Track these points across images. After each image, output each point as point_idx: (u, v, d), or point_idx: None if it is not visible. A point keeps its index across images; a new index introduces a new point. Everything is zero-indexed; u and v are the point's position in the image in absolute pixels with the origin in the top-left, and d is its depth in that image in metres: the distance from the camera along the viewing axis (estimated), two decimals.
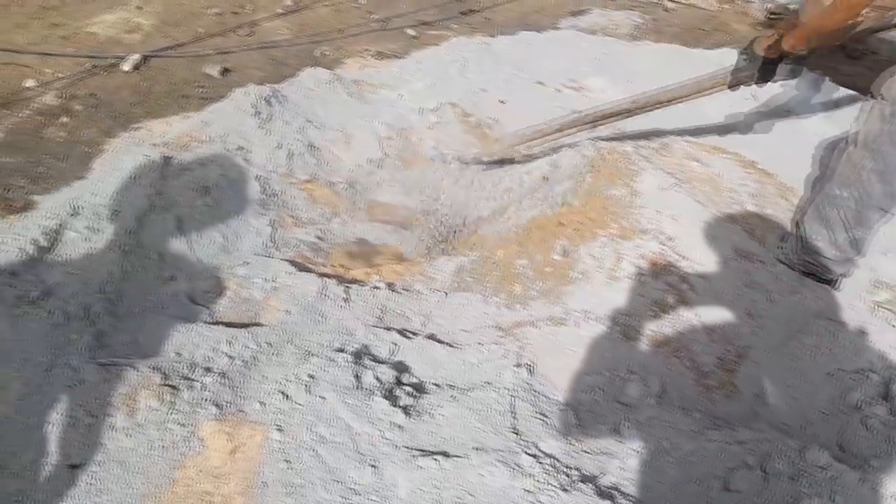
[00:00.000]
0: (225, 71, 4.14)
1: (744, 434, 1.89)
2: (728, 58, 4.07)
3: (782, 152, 3.21)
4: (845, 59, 4.50)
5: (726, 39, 4.92)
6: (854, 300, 2.45)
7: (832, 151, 2.50)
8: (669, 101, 2.89)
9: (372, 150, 3.50)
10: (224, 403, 2.00)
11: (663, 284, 2.35)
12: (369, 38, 4.80)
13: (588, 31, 4.88)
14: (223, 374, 2.08)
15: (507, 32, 4.70)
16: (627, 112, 3.00)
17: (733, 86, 2.69)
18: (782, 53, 2.49)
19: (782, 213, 2.80)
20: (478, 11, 5.41)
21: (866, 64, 4.46)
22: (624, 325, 2.27)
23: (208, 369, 2.11)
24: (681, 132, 3.30)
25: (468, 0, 5.62)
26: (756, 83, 2.62)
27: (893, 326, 2.36)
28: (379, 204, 3.35)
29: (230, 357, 2.16)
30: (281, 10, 5.17)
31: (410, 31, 4.91)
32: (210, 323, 2.37)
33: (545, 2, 5.68)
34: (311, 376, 2.04)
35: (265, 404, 1.98)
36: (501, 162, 3.45)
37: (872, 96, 2.27)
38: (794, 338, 2.26)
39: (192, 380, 2.06)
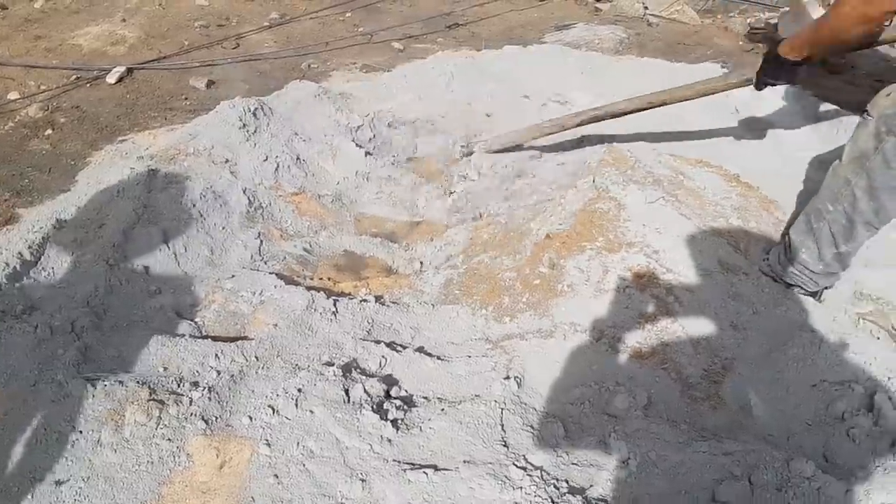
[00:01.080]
0: (210, 83, 4.14)
1: (730, 445, 1.91)
2: (711, 72, 4.14)
3: (764, 165, 3.25)
4: (825, 73, 4.56)
5: (709, 54, 4.97)
6: (837, 312, 2.48)
7: (818, 165, 2.52)
8: (695, 96, 2.96)
9: (359, 163, 3.50)
10: (212, 418, 1.99)
11: (649, 297, 2.36)
12: (355, 51, 4.82)
13: (573, 45, 4.91)
14: (211, 389, 2.07)
15: (492, 46, 4.72)
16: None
17: (758, 82, 2.64)
18: (792, 59, 2.43)
19: (765, 226, 2.83)
20: (463, 25, 5.44)
21: (845, 78, 4.51)
22: (611, 338, 2.28)
23: (196, 384, 2.10)
24: (666, 145, 3.33)
25: (454, 14, 5.65)
26: (768, 81, 2.59)
27: (877, 338, 2.39)
28: (366, 216, 3.36)
29: (218, 371, 2.15)
30: (267, 23, 5.18)
31: (396, 45, 4.93)
32: (197, 337, 2.36)
33: (530, 16, 5.72)
34: (300, 390, 2.04)
35: (253, 419, 1.98)
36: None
37: (867, 113, 2.29)
38: (778, 350, 2.28)
39: (180, 394, 2.04)
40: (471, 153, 3.71)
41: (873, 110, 2.26)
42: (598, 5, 5.96)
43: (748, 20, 5.68)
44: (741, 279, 2.51)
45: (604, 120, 3.17)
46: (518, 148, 3.63)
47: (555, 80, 4.15)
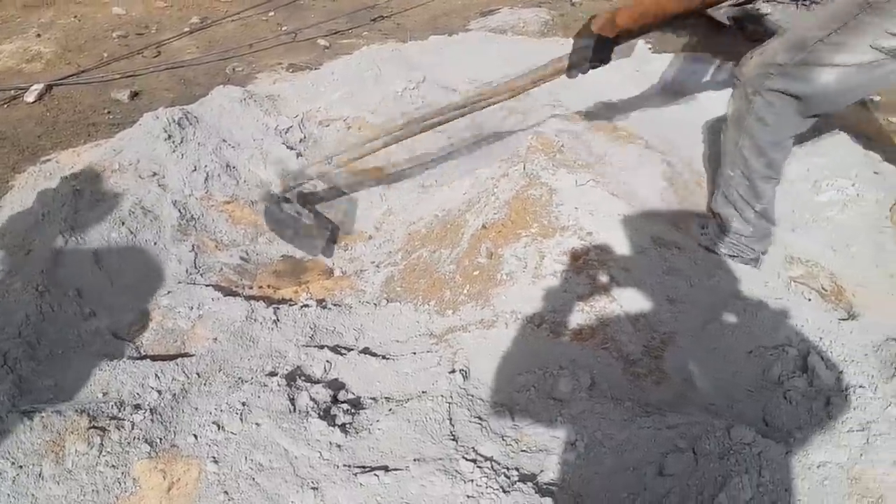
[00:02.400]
0: (133, 95, 4.05)
1: (674, 418, 1.95)
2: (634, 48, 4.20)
3: (694, 139, 3.30)
4: (745, 42, 4.66)
5: None
6: (770, 277, 2.54)
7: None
8: (511, 94, 2.76)
9: (291, 166, 3.45)
10: (156, 440, 1.95)
11: (586, 279, 2.39)
12: (280, 51, 4.75)
13: (498, 30, 4.93)
14: (153, 410, 2.03)
15: (418, 37, 4.71)
16: (461, 111, 2.79)
17: (571, 68, 2.53)
18: (618, 33, 2.40)
19: (698, 199, 2.89)
20: (388, 17, 5.41)
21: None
22: (551, 322, 2.31)
23: (137, 406, 2.06)
24: (592, 124, 3.36)
25: (378, 6, 5.62)
26: (592, 64, 2.49)
27: (808, 300, 2.46)
28: None
29: (159, 392, 2.12)
30: (187, 28, 5.07)
31: (322, 42, 4.88)
32: (136, 358, 2.31)
33: (454, 4, 5.72)
34: (244, 404, 2.02)
35: (199, 437, 1.95)
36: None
37: (736, 77, 2.40)
38: (714, 320, 2.34)
39: (121, 419, 2.00)
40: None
41: (740, 73, 2.37)
42: None
43: None
44: (675, 254, 2.56)
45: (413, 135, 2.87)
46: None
47: (482, 68, 4.15)
